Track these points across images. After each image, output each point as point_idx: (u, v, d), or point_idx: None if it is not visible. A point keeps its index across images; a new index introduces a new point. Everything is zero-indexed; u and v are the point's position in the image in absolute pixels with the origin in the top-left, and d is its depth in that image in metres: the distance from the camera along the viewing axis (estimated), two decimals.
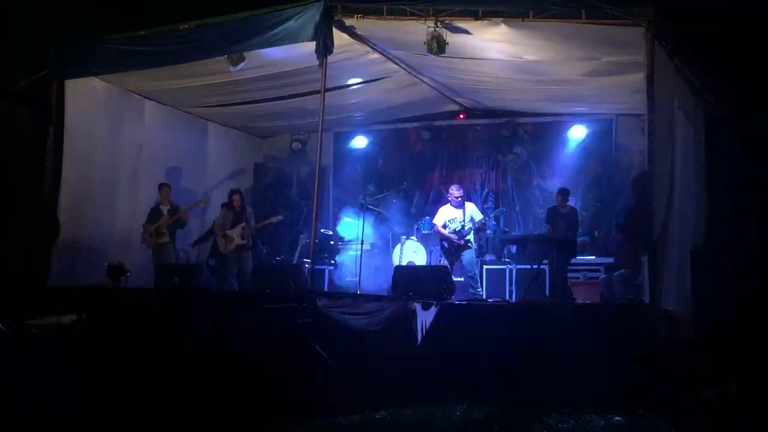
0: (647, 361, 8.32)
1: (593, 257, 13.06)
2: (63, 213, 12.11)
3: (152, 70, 11.72)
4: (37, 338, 9.31)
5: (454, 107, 14.79)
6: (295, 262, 14.03)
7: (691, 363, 9.22)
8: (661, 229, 9.26)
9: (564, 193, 12.72)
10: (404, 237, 13.93)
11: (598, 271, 12.42)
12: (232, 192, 13.49)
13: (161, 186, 13.20)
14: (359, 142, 15.78)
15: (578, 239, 13.17)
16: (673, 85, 10.20)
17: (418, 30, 9.87)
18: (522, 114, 14.57)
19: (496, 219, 13.97)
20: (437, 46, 9.79)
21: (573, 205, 13.21)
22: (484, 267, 13.24)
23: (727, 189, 12.38)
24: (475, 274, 12.69)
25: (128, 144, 13.35)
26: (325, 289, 13.06)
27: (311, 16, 9.96)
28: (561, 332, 8.74)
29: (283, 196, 15.71)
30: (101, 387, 8.45)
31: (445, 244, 12.77)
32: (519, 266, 12.80)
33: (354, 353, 8.95)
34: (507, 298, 12.54)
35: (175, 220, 12.99)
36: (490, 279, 13.12)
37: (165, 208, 13.03)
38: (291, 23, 10.12)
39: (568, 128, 14.37)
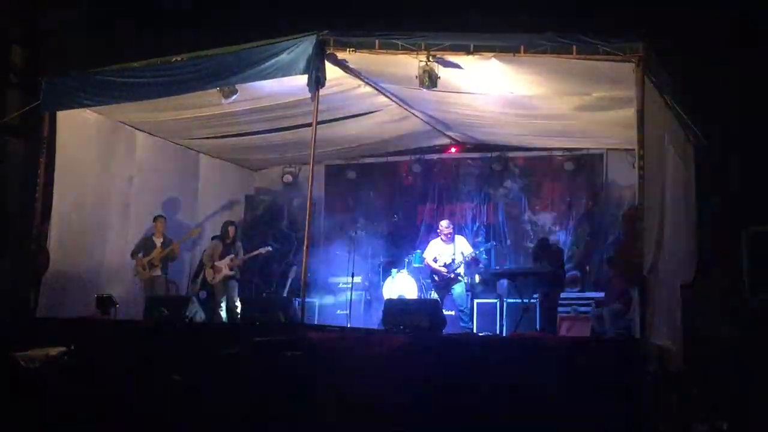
0: (638, 397, 8.29)
1: (584, 292, 13.05)
2: (53, 244, 12.04)
3: (144, 102, 11.71)
4: (25, 370, 9.24)
5: (446, 141, 14.82)
6: (285, 294, 14.01)
7: (681, 398, 9.20)
8: (652, 264, 9.26)
9: (543, 244, 12.82)
10: (395, 270, 13.92)
11: (588, 305, 12.39)
12: (228, 223, 13.57)
13: (156, 218, 13.21)
14: (350, 175, 15.78)
15: (569, 273, 13.19)
16: (664, 121, 10.24)
17: (410, 64, 9.91)
18: (513, 148, 14.61)
19: (487, 253, 13.97)
20: (429, 80, 9.81)
21: (558, 241, 13.27)
22: (475, 301, 13.23)
23: (718, 223, 12.41)
24: (465, 307, 12.69)
25: (119, 175, 13.32)
26: (315, 323, 13.01)
27: (304, 49, 10.00)
28: (551, 367, 8.70)
29: (274, 229, 15.69)
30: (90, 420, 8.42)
31: (436, 278, 12.80)
32: (509, 300, 12.78)
33: (346, 387, 8.91)
34: (498, 332, 12.50)
35: (168, 253, 12.98)
36: (480, 313, 13.09)
37: (158, 240, 13.03)
38: (283, 56, 10.15)
39: (559, 163, 14.42)
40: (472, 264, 13.09)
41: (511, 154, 14.74)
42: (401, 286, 13.62)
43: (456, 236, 13.07)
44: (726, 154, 12.64)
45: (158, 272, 12.90)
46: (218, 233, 13.77)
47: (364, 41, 10.01)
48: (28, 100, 12.56)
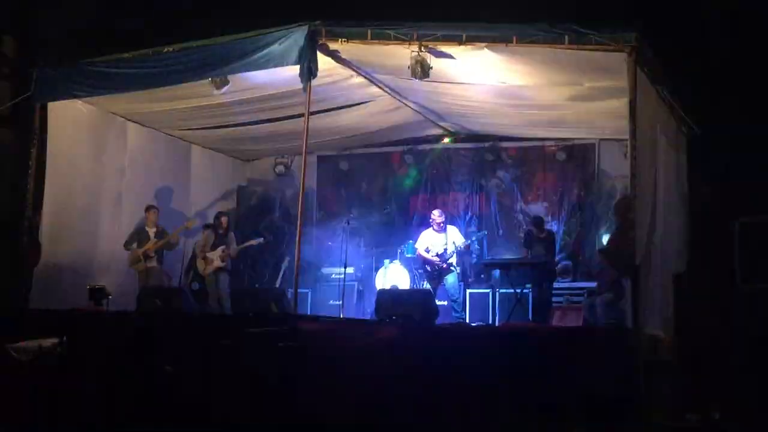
0: (629, 386, 8.31)
1: (576, 281, 13.09)
2: (44, 236, 12.02)
3: (136, 93, 11.68)
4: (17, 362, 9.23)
5: (438, 131, 14.81)
6: (277, 285, 14.01)
7: (673, 388, 9.23)
8: (644, 254, 9.27)
9: (537, 222, 12.80)
10: (388, 260, 13.92)
11: (580, 295, 12.42)
12: (221, 214, 13.57)
13: (149, 208, 13.15)
14: (343, 165, 15.76)
15: (561, 263, 13.21)
16: (656, 111, 10.25)
17: (402, 54, 9.89)
18: (505, 138, 14.60)
19: (479, 243, 13.98)
20: (421, 70, 9.80)
21: (552, 229, 13.27)
22: (468, 291, 13.24)
23: (710, 213, 12.43)
24: (458, 297, 12.69)
25: (111, 166, 13.28)
26: (308, 313, 13.01)
27: (295, 40, 9.97)
28: (544, 356, 8.72)
29: (267, 220, 15.68)
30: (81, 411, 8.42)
31: (428, 268, 12.80)
32: (502, 290, 12.79)
33: (339, 377, 8.92)
34: (490, 322, 12.52)
35: (164, 244, 12.94)
36: (473, 303, 13.11)
37: (151, 231, 12.98)
38: (275, 47, 10.13)
39: (551, 153, 14.42)
40: (464, 254, 13.10)
41: (503, 144, 14.72)
42: (394, 276, 13.65)
43: (448, 226, 13.05)
44: (718, 144, 12.65)
45: (154, 263, 12.86)
46: (210, 223, 13.76)
47: (356, 31, 9.99)
48: (20, 91, 12.50)
